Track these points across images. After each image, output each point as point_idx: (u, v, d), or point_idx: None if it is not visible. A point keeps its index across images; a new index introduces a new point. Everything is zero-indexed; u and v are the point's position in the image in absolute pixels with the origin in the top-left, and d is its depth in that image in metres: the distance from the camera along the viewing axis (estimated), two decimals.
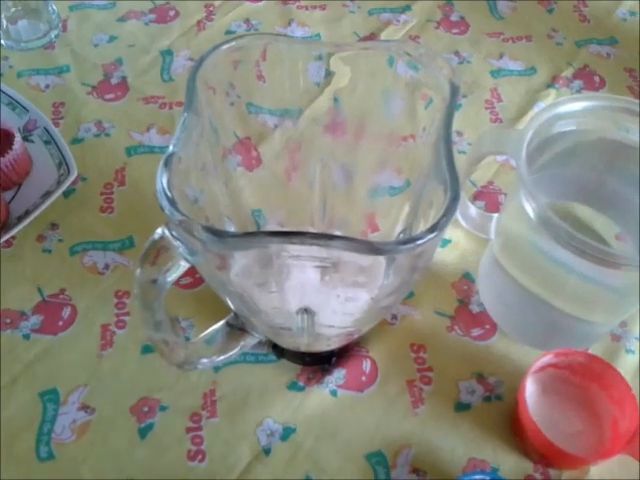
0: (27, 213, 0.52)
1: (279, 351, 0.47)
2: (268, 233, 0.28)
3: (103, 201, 0.56)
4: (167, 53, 0.68)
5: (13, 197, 0.55)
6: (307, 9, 0.73)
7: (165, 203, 0.29)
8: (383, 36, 0.70)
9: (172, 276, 0.30)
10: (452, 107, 0.33)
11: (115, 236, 0.54)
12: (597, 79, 0.67)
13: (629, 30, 0.73)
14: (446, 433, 0.45)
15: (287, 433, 0.44)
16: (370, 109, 0.45)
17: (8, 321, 0.49)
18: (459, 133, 0.62)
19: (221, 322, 0.41)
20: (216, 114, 0.41)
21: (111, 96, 0.64)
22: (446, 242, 0.54)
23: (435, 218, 0.28)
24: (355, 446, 0.44)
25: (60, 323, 0.49)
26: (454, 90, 0.34)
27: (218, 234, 0.28)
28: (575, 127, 0.44)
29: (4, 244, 0.52)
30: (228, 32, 0.70)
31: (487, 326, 0.50)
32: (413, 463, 0.43)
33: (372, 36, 0.71)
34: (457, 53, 0.69)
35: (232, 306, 0.39)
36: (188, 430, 0.44)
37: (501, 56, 0.69)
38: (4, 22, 0.66)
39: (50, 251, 0.53)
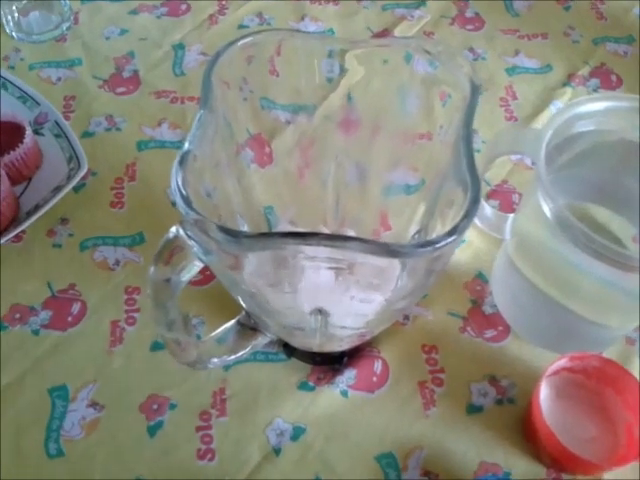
0: (37, 207, 0.52)
1: (289, 350, 0.46)
2: (284, 234, 0.27)
3: (114, 196, 0.55)
4: (179, 47, 0.67)
5: (23, 191, 0.55)
6: (320, 4, 0.73)
7: (180, 202, 0.28)
8: (397, 32, 0.70)
9: (186, 276, 0.30)
10: (472, 106, 0.33)
11: (125, 231, 0.53)
12: (614, 78, 0.66)
13: None
14: (458, 436, 0.44)
15: (297, 433, 0.44)
16: (385, 106, 0.44)
17: (17, 316, 0.49)
18: (473, 131, 0.60)
19: (232, 321, 0.40)
20: (230, 109, 0.40)
21: (122, 90, 0.63)
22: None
23: (454, 219, 0.28)
24: (365, 447, 0.44)
25: (70, 319, 0.49)
26: (474, 89, 0.33)
27: (233, 234, 0.27)
28: (594, 127, 0.43)
29: (14, 239, 0.52)
30: (241, 26, 0.70)
31: (500, 328, 0.49)
32: (424, 465, 0.43)
33: (385, 32, 0.70)
34: (472, 50, 0.68)
35: (244, 305, 0.38)
36: (198, 429, 0.44)
37: (516, 53, 0.68)
38: (16, 14, 0.65)
39: (60, 246, 0.52)
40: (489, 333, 0.49)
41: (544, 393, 0.44)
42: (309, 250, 0.28)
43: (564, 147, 0.42)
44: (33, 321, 0.48)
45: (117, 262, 0.52)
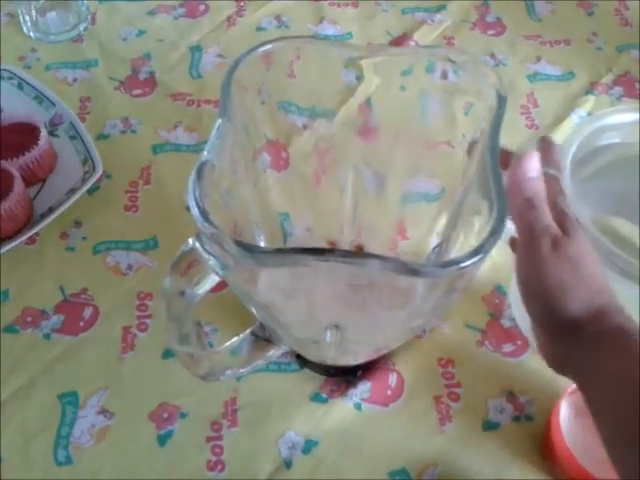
0: (51, 210, 0.52)
1: (303, 360, 0.45)
2: (301, 250, 0.26)
3: (128, 199, 0.55)
4: (196, 49, 0.67)
5: (37, 193, 0.54)
6: (339, 6, 0.72)
7: (197, 215, 0.28)
8: (416, 36, 0.69)
9: (201, 289, 0.29)
10: (499, 118, 0.32)
11: (139, 236, 0.53)
12: (638, 86, 0.65)
13: None
14: (473, 453, 0.43)
15: (309, 446, 0.43)
16: (405, 113, 0.43)
17: (29, 319, 0.48)
18: None
19: (246, 332, 0.40)
20: (248, 113, 0.40)
21: (139, 92, 0.63)
22: None
23: (479, 234, 0.27)
24: (379, 462, 0.43)
25: (81, 323, 0.48)
26: (501, 100, 0.33)
27: (249, 249, 0.26)
28: (620, 140, 0.42)
29: (27, 241, 0.51)
30: (258, 29, 0.69)
31: (519, 342, 0.48)
32: None
33: (405, 36, 0.69)
34: (493, 55, 0.67)
35: (258, 317, 0.38)
36: (208, 439, 0.43)
37: (538, 59, 0.67)
38: (34, 14, 0.65)
39: (73, 249, 0.52)
40: (507, 347, 0.48)
41: (563, 411, 0.43)
42: (327, 267, 0.27)
43: (588, 159, 0.41)
44: (45, 325, 0.48)
45: (130, 267, 0.51)
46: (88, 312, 0.49)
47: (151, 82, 0.64)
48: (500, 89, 0.33)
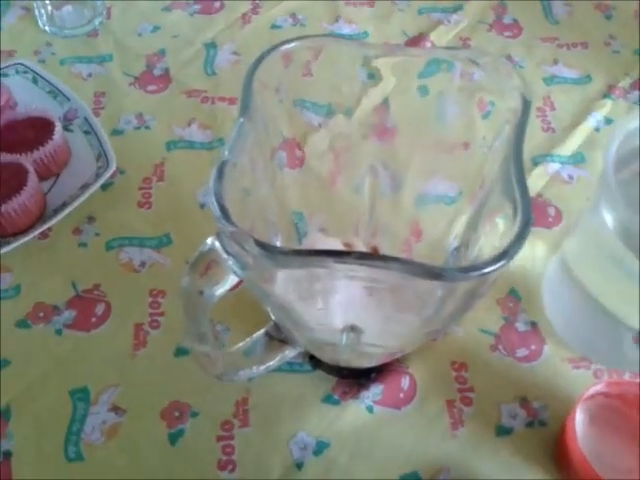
0: (64, 205, 0.51)
1: (315, 361, 0.45)
2: (321, 252, 0.26)
3: (141, 196, 0.55)
4: (211, 46, 0.66)
5: (51, 188, 0.54)
6: (355, 5, 0.71)
7: (218, 214, 0.27)
8: (432, 36, 0.68)
9: (220, 290, 0.29)
10: (524, 123, 0.31)
11: (152, 233, 0.52)
12: None
13: None
14: (485, 458, 0.43)
15: (320, 448, 0.43)
16: (422, 114, 0.43)
17: (41, 315, 0.48)
18: None
19: (260, 332, 0.39)
20: (267, 111, 0.39)
21: (153, 88, 0.63)
22: None
23: (502, 239, 0.27)
24: (390, 466, 0.42)
25: (93, 319, 0.48)
26: (526, 105, 0.32)
27: (269, 249, 0.26)
28: None
29: (40, 235, 0.51)
30: (274, 26, 0.69)
31: (533, 347, 0.47)
32: None
33: (421, 36, 0.68)
34: (509, 57, 0.67)
35: (273, 317, 0.37)
36: (219, 438, 0.43)
37: (555, 62, 0.67)
38: (49, 8, 0.65)
39: (86, 245, 0.52)
40: (521, 352, 0.47)
41: (578, 418, 0.42)
42: (346, 269, 0.27)
43: (623, 164, 0.40)
44: (56, 320, 0.48)
45: (143, 264, 0.51)
46: (100, 308, 0.49)
47: (166, 78, 0.63)
48: (525, 93, 0.33)
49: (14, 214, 0.49)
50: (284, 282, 0.31)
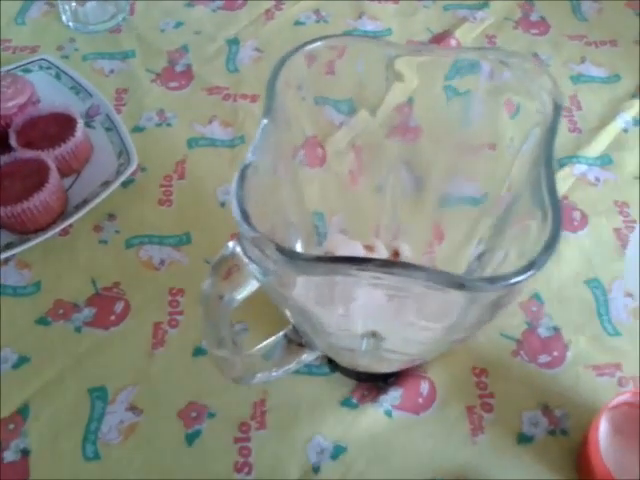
0: (85, 202, 0.52)
1: (334, 364, 0.45)
2: (343, 259, 0.25)
3: (162, 194, 0.54)
4: (233, 42, 0.66)
5: (72, 184, 0.54)
6: (379, 2, 0.71)
7: (239, 218, 0.27)
8: (457, 33, 0.67)
9: (241, 295, 0.29)
10: (554, 127, 0.31)
11: (172, 231, 0.52)
12: None
13: None
14: (506, 466, 0.42)
15: (337, 452, 0.43)
16: (447, 114, 0.42)
17: (61, 312, 0.48)
18: None
19: (279, 334, 0.39)
20: (290, 110, 0.39)
21: (175, 84, 0.62)
22: None
23: (531, 249, 0.26)
24: (408, 473, 0.42)
25: (112, 317, 0.48)
26: (557, 109, 0.31)
27: (290, 255, 0.26)
28: None
29: (61, 232, 0.51)
30: (297, 23, 0.68)
31: (555, 353, 0.47)
32: None
33: (446, 33, 0.67)
34: (536, 55, 0.65)
35: (292, 321, 0.37)
36: (236, 440, 0.43)
37: (583, 61, 0.65)
38: (73, 3, 0.65)
39: (106, 242, 0.52)
40: (543, 358, 0.46)
41: (602, 427, 0.41)
42: (368, 276, 0.26)
43: None
44: (76, 318, 0.48)
45: (162, 262, 0.51)
46: (120, 306, 0.48)
47: (188, 75, 0.63)
48: (557, 97, 0.32)
49: (35, 211, 0.49)
50: (304, 287, 0.31)
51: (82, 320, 0.48)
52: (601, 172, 0.57)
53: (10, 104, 0.54)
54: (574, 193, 0.55)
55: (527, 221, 0.29)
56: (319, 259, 0.26)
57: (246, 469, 0.42)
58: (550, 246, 0.25)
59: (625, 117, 0.60)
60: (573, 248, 0.52)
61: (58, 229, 0.50)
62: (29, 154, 0.51)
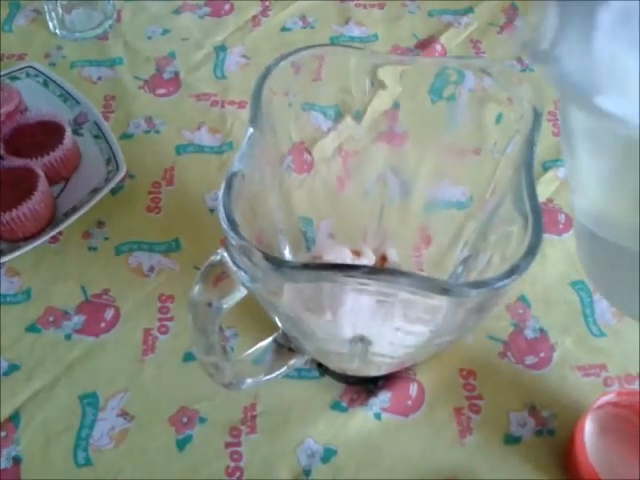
0: (74, 209, 0.52)
1: (323, 368, 0.45)
2: (330, 266, 0.26)
3: (150, 200, 0.55)
4: (221, 49, 0.66)
5: (61, 192, 0.54)
6: (365, 7, 0.71)
7: (227, 227, 0.27)
8: (443, 39, 0.68)
9: (229, 302, 0.29)
10: (534, 134, 0.31)
11: (161, 237, 0.53)
12: None
13: None
14: (494, 467, 0.43)
15: (328, 455, 0.43)
16: (432, 120, 0.43)
17: (51, 319, 0.48)
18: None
19: (269, 339, 0.39)
20: (276, 116, 0.39)
21: (163, 91, 0.63)
22: None
23: (514, 253, 0.26)
24: (398, 475, 0.42)
25: (102, 324, 0.48)
26: (537, 117, 0.32)
27: (277, 263, 0.26)
28: None
29: (50, 239, 0.51)
30: (284, 29, 0.68)
31: (542, 354, 0.47)
32: None
33: (431, 39, 0.68)
34: (520, 60, 0.66)
35: (281, 326, 0.37)
36: (227, 445, 0.43)
37: None
38: (60, 11, 0.65)
39: (96, 249, 0.52)
40: (530, 360, 0.47)
41: (587, 427, 0.42)
42: (356, 282, 0.27)
43: None
44: (66, 325, 0.48)
45: (152, 268, 0.51)
46: (109, 313, 0.49)
47: (175, 82, 0.63)
48: (536, 104, 0.32)
49: (24, 218, 0.49)
50: (292, 294, 0.31)
51: (72, 327, 0.48)
52: None
53: None
54: (558, 196, 0.56)
55: (509, 226, 0.30)
56: (305, 266, 0.26)
57: (237, 473, 0.42)
58: (531, 252, 0.26)
59: None
60: (558, 250, 0.52)
61: (47, 237, 0.50)
62: (17, 162, 0.52)
